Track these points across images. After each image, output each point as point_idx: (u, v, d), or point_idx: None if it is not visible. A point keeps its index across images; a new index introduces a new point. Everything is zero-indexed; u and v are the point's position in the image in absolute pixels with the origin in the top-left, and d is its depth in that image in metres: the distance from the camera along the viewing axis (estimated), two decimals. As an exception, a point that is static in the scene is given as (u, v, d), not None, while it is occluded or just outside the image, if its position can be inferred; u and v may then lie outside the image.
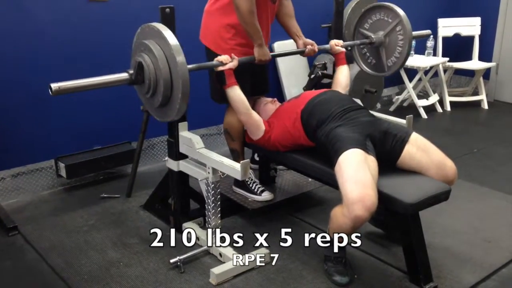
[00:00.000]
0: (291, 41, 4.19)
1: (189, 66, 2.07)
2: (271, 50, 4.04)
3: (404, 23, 2.84)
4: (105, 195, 3.09)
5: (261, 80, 2.88)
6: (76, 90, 1.91)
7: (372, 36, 2.95)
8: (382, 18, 2.94)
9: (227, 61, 2.39)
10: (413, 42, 4.25)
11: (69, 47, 3.09)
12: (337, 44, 2.86)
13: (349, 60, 2.88)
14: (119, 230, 2.70)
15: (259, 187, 2.77)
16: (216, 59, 2.39)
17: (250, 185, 2.78)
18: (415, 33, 2.99)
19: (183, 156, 2.56)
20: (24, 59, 2.95)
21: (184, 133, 2.50)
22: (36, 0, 2.92)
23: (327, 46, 2.88)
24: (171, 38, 1.94)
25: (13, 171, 3.05)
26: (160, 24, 2.00)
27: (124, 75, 2.05)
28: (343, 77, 2.82)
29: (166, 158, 2.64)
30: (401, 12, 2.86)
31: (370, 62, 3.10)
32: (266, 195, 2.76)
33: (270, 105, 2.76)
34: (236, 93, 2.46)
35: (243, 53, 2.60)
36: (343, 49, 2.86)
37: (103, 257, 2.44)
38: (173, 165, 2.58)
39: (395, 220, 2.39)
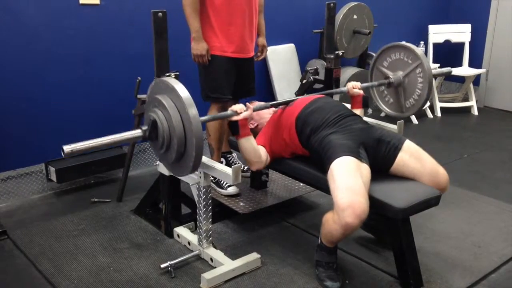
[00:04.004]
0: (284, 46, 4.27)
1: (202, 118, 2.03)
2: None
3: (424, 66, 2.72)
4: (95, 200, 3.07)
5: (247, 81, 2.96)
6: (89, 149, 1.90)
7: (391, 76, 2.85)
8: (401, 58, 2.83)
9: (242, 111, 2.30)
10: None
11: (61, 50, 3.08)
12: (354, 87, 2.71)
13: (365, 104, 2.74)
14: (110, 234, 2.69)
15: (226, 182, 2.82)
16: (230, 108, 2.31)
17: (220, 180, 2.84)
18: (435, 71, 2.92)
19: (175, 161, 2.56)
20: (14, 62, 2.94)
21: (176, 138, 2.49)
22: (26, 3, 2.91)
23: (344, 89, 2.76)
24: (183, 92, 1.92)
25: (3, 175, 3.02)
26: (172, 79, 2.00)
27: (137, 132, 2.02)
28: None
29: (158, 162, 2.63)
30: (421, 54, 2.75)
31: (387, 101, 2.99)
32: (232, 190, 2.84)
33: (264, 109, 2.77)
34: (249, 144, 2.36)
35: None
36: (361, 92, 2.71)
37: (93, 262, 2.42)
38: (164, 169, 2.58)
39: (385, 225, 2.41)
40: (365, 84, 2.81)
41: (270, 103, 2.54)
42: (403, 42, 2.87)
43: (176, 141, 1.94)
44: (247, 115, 2.32)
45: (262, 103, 2.49)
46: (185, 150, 1.97)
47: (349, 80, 4.11)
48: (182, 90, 1.93)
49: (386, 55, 2.89)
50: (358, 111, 2.68)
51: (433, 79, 2.81)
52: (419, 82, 2.77)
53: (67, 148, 1.81)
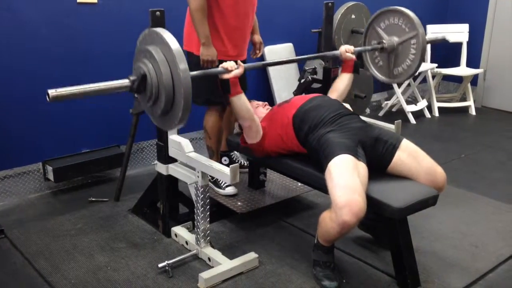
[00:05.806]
0: (282, 45, 4.27)
1: (192, 73, 1.98)
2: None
3: (420, 38, 2.68)
4: (93, 199, 3.07)
5: (241, 81, 2.93)
6: (75, 96, 1.84)
7: (384, 41, 2.81)
8: (399, 24, 2.77)
9: (233, 68, 2.28)
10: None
11: (59, 49, 3.07)
12: (347, 51, 2.71)
13: (356, 69, 2.74)
14: (107, 234, 2.68)
15: (225, 182, 2.81)
16: (221, 65, 2.28)
17: (218, 180, 2.83)
18: (429, 38, 2.85)
19: (172, 160, 2.56)
20: (12, 62, 2.93)
21: (174, 137, 2.49)
22: (24, 2, 2.90)
23: (337, 52, 2.74)
24: (174, 44, 1.87)
25: (0, 174, 3.01)
26: (162, 29, 1.95)
27: (125, 82, 1.96)
28: (343, 85, 2.73)
29: (155, 161, 2.63)
30: (419, 24, 2.69)
31: (377, 63, 2.96)
32: (230, 190, 2.84)
33: (261, 108, 2.77)
34: (241, 102, 2.36)
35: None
36: (353, 57, 2.71)
37: (90, 261, 2.42)
38: (162, 168, 2.58)
39: (383, 225, 2.41)
40: (358, 48, 2.81)
41: (262, 62, 2.51)
42: (404, 9, 2.79)
43: (165, 96, 1.91)
44: (238, 73, 2.31)
45: (253, 63, 2.47)
46: (173, 105, 1.93)
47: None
48: (174, 43, 1.88)
49: (384, 17, 2.85)
50: (348, 75, 2.70)
51: (426, 50, 2.81)
52: (412, 52, 2.75)
53: (52, 91, 1.74)
